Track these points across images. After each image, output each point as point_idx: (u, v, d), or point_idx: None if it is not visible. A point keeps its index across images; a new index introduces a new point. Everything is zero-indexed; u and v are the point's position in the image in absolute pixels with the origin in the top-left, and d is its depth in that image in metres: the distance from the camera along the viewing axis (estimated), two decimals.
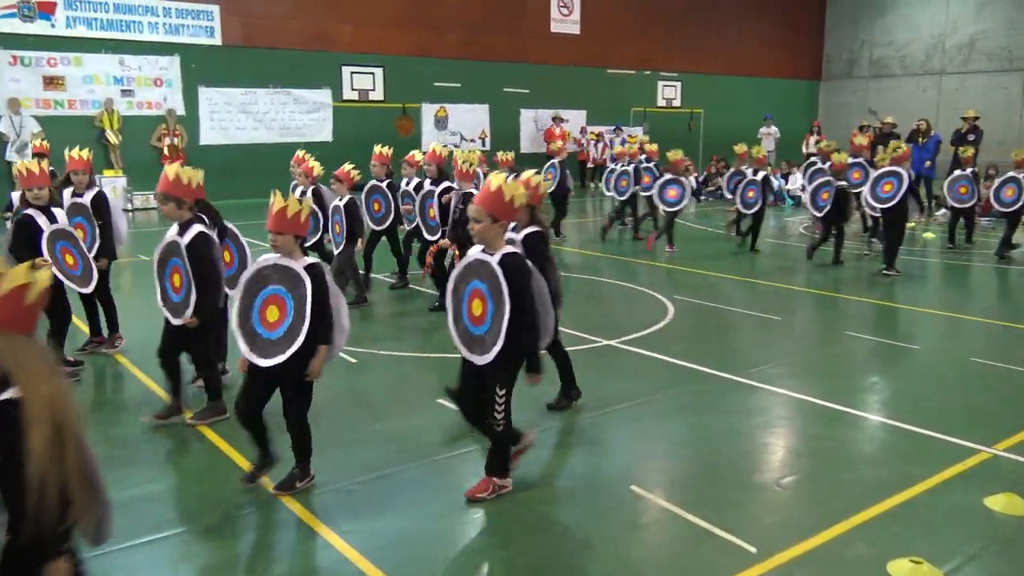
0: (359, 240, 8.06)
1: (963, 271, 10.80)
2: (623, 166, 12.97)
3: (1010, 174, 11.13)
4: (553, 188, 12.08)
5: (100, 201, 6.42)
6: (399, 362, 6.35)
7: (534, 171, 5.05)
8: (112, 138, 15.57)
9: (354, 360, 6.30)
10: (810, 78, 26.88)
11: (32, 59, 14.91)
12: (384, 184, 8.81)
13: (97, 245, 6.32)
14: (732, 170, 12.71)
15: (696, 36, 23.83)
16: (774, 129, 21.14)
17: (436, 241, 7.70)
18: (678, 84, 23.99)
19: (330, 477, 4.29)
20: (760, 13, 25.00)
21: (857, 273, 10.54)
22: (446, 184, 7.96)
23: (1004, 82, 22.43)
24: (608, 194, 13.45)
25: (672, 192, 11.58)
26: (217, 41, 16.70)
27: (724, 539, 3.69)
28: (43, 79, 15.07)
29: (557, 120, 20.77)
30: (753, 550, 3.59)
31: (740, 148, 12.59)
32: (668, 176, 11.76)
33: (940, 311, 8.26)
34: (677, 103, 24.12)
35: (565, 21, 21.47)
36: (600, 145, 21.30)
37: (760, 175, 11.57)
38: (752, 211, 11.56)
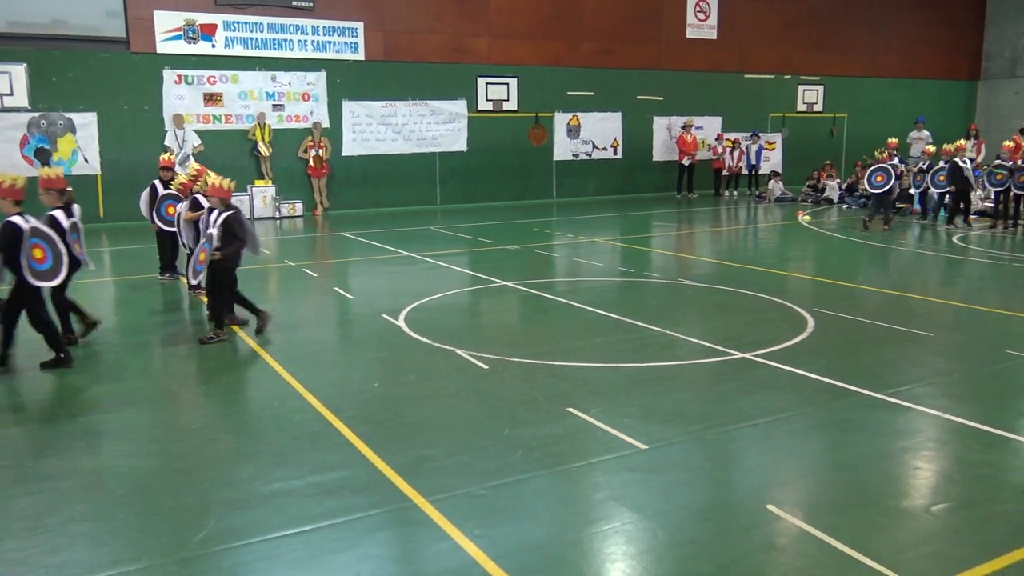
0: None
1: None
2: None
3: None
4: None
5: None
6: (530, 370, 6.39)
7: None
8: (264, 150, 16.52)
9: (485, 367, 6.40)
10: (967, 78, 25.19)
11: (194, 77, 16.05)
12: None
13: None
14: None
15: (840, 37, 22.84)
16: (926, 133, 19.93)
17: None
18: (820, 88, 23.05)
19: (461, 481, 4.37)
20: (910, 10, 23.67)
21: (1019, 287, 9.81)
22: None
23: None
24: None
25: (879, 177, 14.22)
26: (361, 56, 17.43)
27: (868, 566, 3.49)
28: (203, 96, 16.19)
29: (688, 127, 20.40)
30: None
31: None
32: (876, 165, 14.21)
33: None
34: (819, 108, 23.18)
35: (701, 26, 21.07)
36: (736, 152, 20.74)
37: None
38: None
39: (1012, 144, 14.61)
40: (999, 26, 24.57)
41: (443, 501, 4.15)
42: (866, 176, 14.97)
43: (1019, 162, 14.01)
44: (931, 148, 15.98)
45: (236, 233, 7.22)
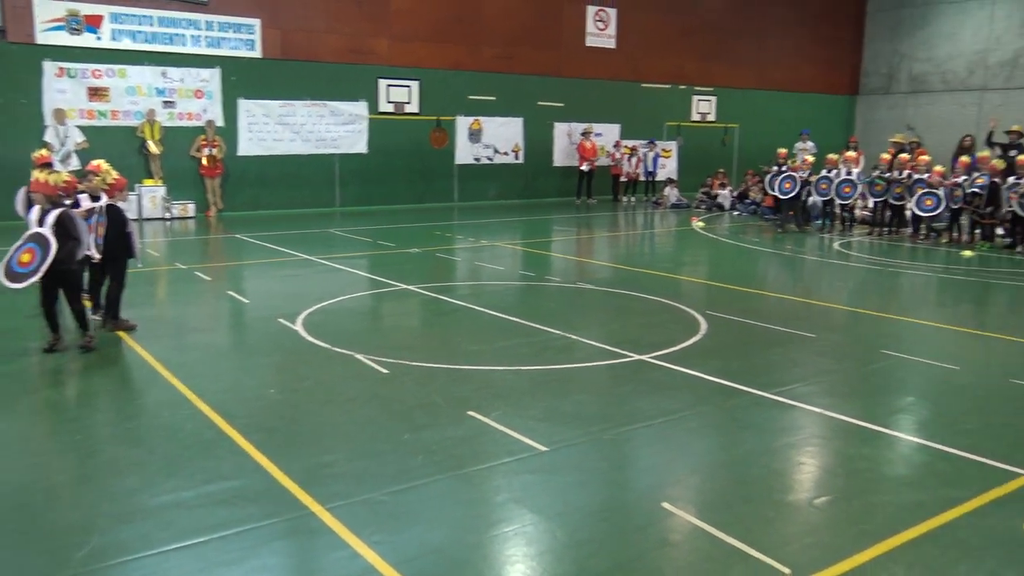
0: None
1: (994, 289, 10.59)
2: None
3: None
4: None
5: None
6: (431, 373, 6.36)
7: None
8: (153, 148, 15.87)
9: (385, 371, 6.34)
10: (847, 93, 26.61)
11: (78, 71, 15.26)
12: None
13: None
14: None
15: (731, 51, 23.74)
16: (810, 144, 20.92)
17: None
18: (712, 99, 23.88)
19: (360, 487, 4.31)
20: (797, 27, 24.83)
21: (896, 291, 10.43)
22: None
23: None
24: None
25: (787, 184, 15.57)
26: (257, 54, 16.98)
27: (757, 559, 3.64)
28: (88, 90, 15.41)
29: (588, 133, 20.77)
30: (787, 571, 3.54)
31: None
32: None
33: (978, 331, 8.10)
34: (712, 117, 24.01)
35: (600, 35, 21.50)
36: (634, 159, 21.25)
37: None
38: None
39: (888, 156, 15.52)
40: (875, 45, 26.08)
41: (341, 508, 4.08)
42: (777, 183, 15.78)
43: (896, 174, 14.89)
44: (810, 159, 16.73)
45: (71, 232, 6.80)
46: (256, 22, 16.86)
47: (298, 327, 7.67)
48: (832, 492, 4.42)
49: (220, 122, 16.71)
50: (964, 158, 14.82)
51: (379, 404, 5.66)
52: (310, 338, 7.30)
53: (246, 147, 17.15)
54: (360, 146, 18.50)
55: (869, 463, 4.79)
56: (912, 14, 24.94)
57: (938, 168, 14.63)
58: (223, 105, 16.78)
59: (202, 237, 14.51)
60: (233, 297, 9.34)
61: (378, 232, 14.68)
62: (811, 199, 15.99)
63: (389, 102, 18.72)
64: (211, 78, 16.59)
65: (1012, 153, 14.58)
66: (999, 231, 13.85)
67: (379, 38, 18.41)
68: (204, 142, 16.44)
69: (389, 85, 18.65)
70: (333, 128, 18.12)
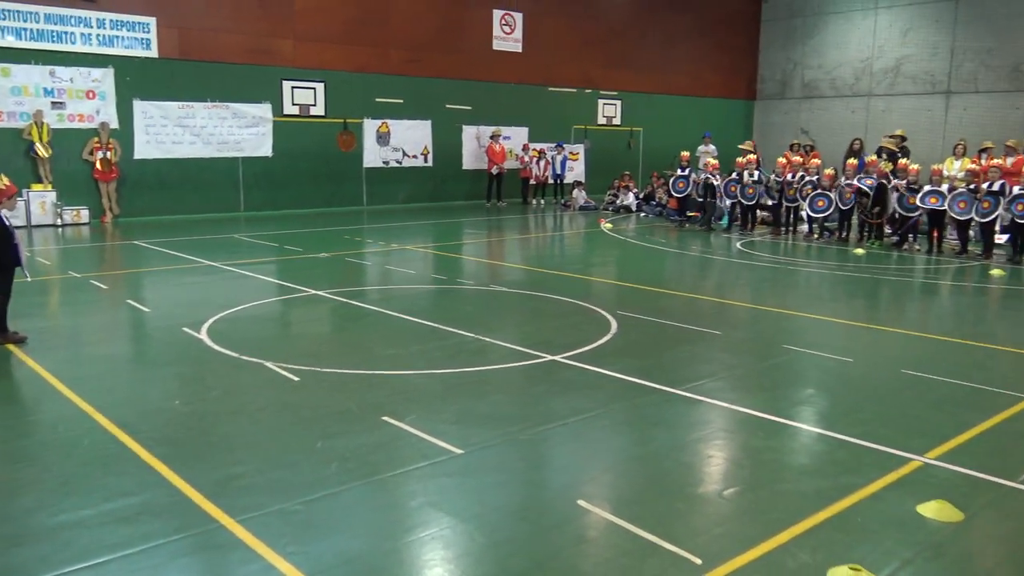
0: None
1: (883, 285, 11.18)
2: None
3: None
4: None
5: None
6: (343, 380, 6.27)
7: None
8: (41, 151, 15.10)
9: (296, 378, 6.21)
10: (745, 98, 27.59)
11: None
12: None
13: None
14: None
15: (635, 57, 24.28)
16: (712, 148, 21.61)
17: None
18: (618, 103, 24.37)
19: (273, 497, 4.21)
20: (698, 35, 25.60)
21: (794, 288, 10.87)
22: None
23: (928, 104, 23.37)
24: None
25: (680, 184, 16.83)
26: (153, 53, 16.37)
27: (670, 551, 3.73)
28: None
29: (496, 137, 20.87)
30: (698, 561, 3.64)
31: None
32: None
33: (870, 324, 8.52)
34: (617, 121, 24.49)
35: (507, 39, 21.64)
36: (542, 162, 21.47)
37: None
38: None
39: (784, 160, 16.17)
40: (770, 53, 27.15)
41: (253, 520, 3.97)
42: (670, 184, 16.35)
43: (789, 177, 15.52)
44: (711, 161, 17.31)
45: None
46: (151, 20, 16.25)
47: (203, 336, 7.43)
48: (740, 483, 4.57)
49: (115, 124, 16.04)
50: (851, 160, 15.58)
51: (290, 412, 5.53)
52: (216, 347, 7.08)
53: (143, 150, 16.52)
54: (265, 149, 18.07)
55: (774, 454, 4.98)
56: (803, 23, 26.07)
57: (828, 171, 15.35)
58: (117, 106, 16.11)
59: (98, 244, 13.89)
60: (133, 306, 8.98)
61: (285, 237, 14.37)
62: (726, 201, 16.56)
63: (294, 104, 18.36)
64: (103, 78, 15.90)
65: (897, 156, 15.41)
66: (887, 229, 14.61)
67: (283, 39, 18.03)
68: (97, 145, 15.74)
69: (294, 87, 18.29)
70: (236, 130, 17.64)
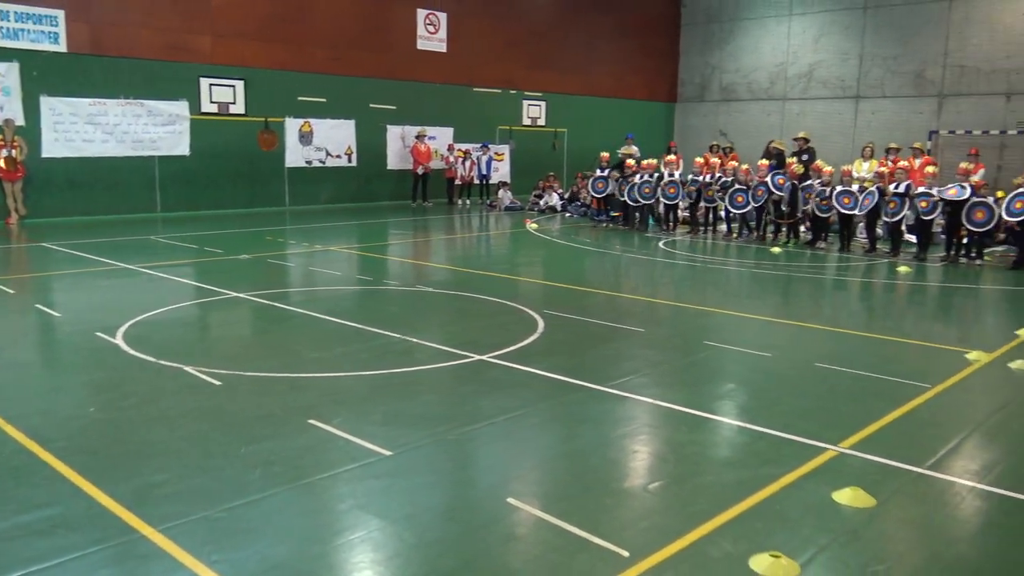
0: None
1: (799, 282, 11.59)
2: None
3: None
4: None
5: None
6: (268, 383, 6.15)
7: None
8: None
9: (218, 383, 6.07)
10: (666, 100, 28.17)
11: None
12: None
13: None
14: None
15: (558, 58, 24.52)
16: (634, 149, 21.95)
17: None
18: (542, 104, 24.56)
19: (196, 505, 4.11)
20: (619, 38, 26.01)
21: (715, 286, 11.16)
22: None
23: (839, 108, 24.30)
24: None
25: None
26: (62, 48, 15.73)
27: (599, 545, 3.79)
28: None
29: (421, 137, 20.78)
30: (626, 554, 3.71)
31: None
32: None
33: (786, 320, 8.82)
34: (542, 122, 24.68)
35: (432, 39, 21.57)
36: (468, 163, 21.47)
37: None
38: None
39: (703, 160, 16.58)
40: (689, 57, 27.80)
41: (176, 529, 3.87)
42: (589, 184, 16.59)
43: (706, 178, 15.92)
44: (632, 163, 17.57)
45: None
46: (59, 13, 15.61)
47: (119, 341, 7.19)
48: (664, 477, 4.67)
49: (20, 120, 15.34)
50: (763, 161, 16.07)
51: (213, 418, 5.40)
52: (133, 352, 6.86)
53: (52, 148, 15.85)
54: (182, 148, 17.56)
55: (697, 447, 5.11)
56: (721, 28, 26.78)
57: (744, 167, 15.82)
58: (23, 102, 15.41)
59: (3, 246, 13.26)
60: (42, 311, 8.61)
61: (204, 238, 14.00)
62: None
63: (212, 102, 17.90)
64: (8, 73, 15.20)
65: (804, 158, 15.98)
66: (803, 228, 15.13)
67: (200, 35, 17.56)
68: (1, 143, 15.03)
69: (212, 84, 17.83)
70: (152, 129, 17.09)
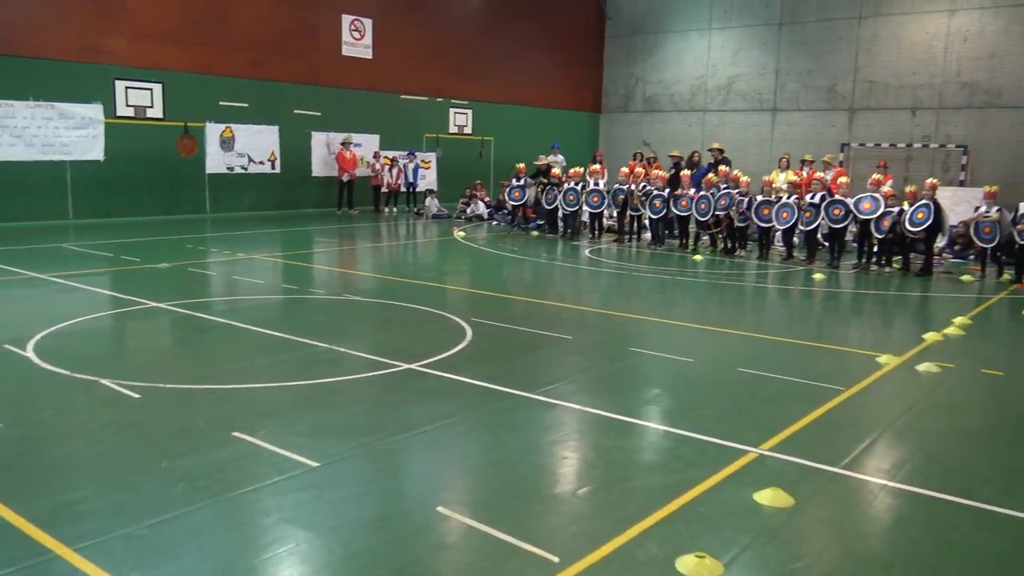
0: None
1: (719, 289, 11.91)
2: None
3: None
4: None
5: None
6: (189, 395, 5.99)
7: None
8: None
9: (136, 395, 5.89)
10: (591, 110, 28.58)
11: None
12: None
13: None
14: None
15: (486, 67, 24.62)
16: (560, 158, 22.22)
17: None
18: (469, 112, 24.61)
19: (115, 523, 3.98)
20: (546, 48, 26.28)
21: (640, 293, 11.36)
22: None
23: (757, 120, 25.08)
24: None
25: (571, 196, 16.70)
26: None
27: (528, 551, 3.82)
28: None
29: (347, 144, 20.57)
30: (555, 559, 3.75)
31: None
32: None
33: (708, 326, 9.05)
34: (468, 130, 24.73)
35: (357, 45, 21.40)
36: (394, 170, 21.34)
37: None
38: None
39: (627, 169, 16.88)
40: (614, 68, 28.28)
41: (93, 547, 3.74)
42: (506, 193, 16.77)
43: (632, 187, 16.21)
44: (557, 171, 17.80)
45: None
46: None
47: (29, 353, 6.90)
48: (593, 482, 4.74)
49: None
50: (685, 171, 16.47)
51: (132, 432, 5.24)
52: (45, 364, 6.59)
53: None
54: (96, 152, 16.96)
55: (624, 452, 5.20)
56: (644, 40, 27.33)
57: (662, 174, 16.17)
58: None
59: None
60: None
61: (121, 246, 13.54)
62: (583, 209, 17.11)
63: (128, 105, 17.35)
64: None
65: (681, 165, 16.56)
66: (720, 236, 15.53)
67: (115, 36, 17.01)
68: None
69: (128, 87, 17.28)
70: (63, 132, 16.45)
